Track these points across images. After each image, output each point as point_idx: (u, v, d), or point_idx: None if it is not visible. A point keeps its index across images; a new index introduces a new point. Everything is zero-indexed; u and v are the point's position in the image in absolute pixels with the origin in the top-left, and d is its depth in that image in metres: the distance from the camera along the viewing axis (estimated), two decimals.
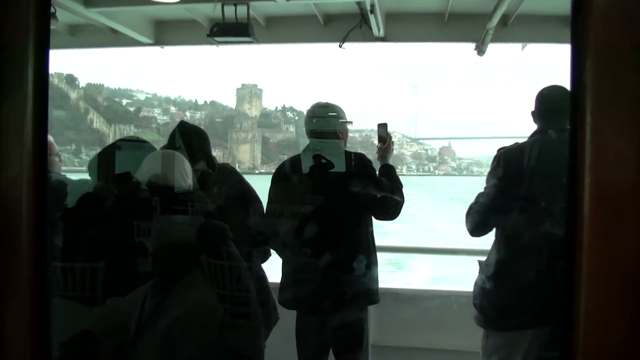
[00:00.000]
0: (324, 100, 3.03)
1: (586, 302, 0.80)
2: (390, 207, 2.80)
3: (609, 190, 0.81)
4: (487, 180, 2.60)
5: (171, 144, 2.82)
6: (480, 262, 2.67)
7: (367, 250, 2.83)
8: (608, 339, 0.80)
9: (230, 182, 2.93)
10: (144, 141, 2.88)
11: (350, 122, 2.99)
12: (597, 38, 0.83)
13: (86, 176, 2.80)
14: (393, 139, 3.03)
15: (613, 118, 0.81)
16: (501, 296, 2.52)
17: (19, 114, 1.00)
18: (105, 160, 2.73)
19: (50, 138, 3.19)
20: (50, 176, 2.98)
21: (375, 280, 2.86)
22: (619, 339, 0.80)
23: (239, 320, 2.59)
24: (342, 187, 2.78)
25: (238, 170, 3.13)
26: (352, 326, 2.85)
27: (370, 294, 2.86)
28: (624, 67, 0.81)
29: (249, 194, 2.96)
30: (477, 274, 2.68)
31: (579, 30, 0.84)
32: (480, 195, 2.61)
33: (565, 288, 0.83)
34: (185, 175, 2.65)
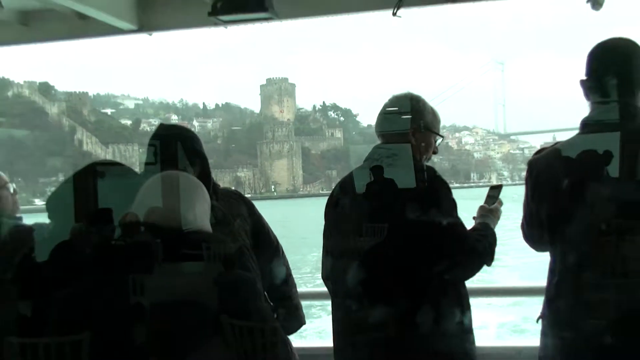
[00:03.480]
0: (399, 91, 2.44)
1: None
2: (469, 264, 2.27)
3: None
4: None
5: (159, 158, 2.33)
6: None
7: (454, 298, 2.25)
8: None
9: (239, 214, 2.41)
10: (120, 164, 2.34)
11: (442, 137, 2.44)
12: None
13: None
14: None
15: None
16: None
17: None
18: (73, 195, 2.15)
19: None
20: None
21: (465, 339, 2.24)
22: None
23: None
24: (412, 213, 2.17)
25: (247, 196, 2.58)
26: None
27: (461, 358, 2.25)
28: None
29: (263, 230, 2.50)
30: None
31: None
32: None
33: None
34: (205, 208, 2.10)
